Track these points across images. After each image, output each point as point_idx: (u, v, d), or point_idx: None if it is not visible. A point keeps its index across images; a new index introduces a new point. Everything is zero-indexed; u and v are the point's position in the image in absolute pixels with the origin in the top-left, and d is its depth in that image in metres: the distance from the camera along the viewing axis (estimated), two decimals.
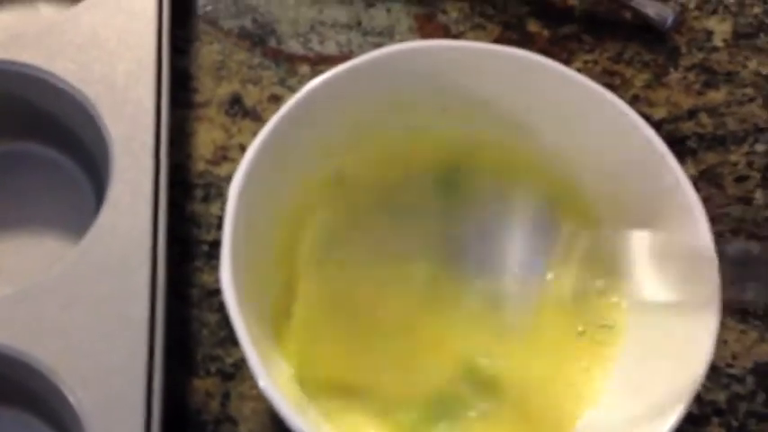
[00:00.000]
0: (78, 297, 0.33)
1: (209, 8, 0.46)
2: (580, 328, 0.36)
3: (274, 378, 0.30)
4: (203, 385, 0.37)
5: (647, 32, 0.48)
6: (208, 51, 0.45)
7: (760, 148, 0.46)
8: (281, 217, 0.36)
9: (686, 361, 0.32)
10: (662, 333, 0.34)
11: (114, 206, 0.35)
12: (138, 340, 0.33)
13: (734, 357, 0.40)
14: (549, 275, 0.37)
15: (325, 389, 0.34)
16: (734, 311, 0.41)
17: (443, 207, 0.38)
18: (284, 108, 0.34)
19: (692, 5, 0.49)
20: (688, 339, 0.32)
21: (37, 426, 0.35)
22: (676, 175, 0.34)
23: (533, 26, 0.48)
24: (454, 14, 0.47)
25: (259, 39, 0.45)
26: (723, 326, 0.40)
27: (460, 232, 0.38)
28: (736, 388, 0.39)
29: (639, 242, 0.36)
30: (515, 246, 0.38)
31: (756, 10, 0.49)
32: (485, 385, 0.35)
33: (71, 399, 0.31)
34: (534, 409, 0.35)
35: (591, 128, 0.37)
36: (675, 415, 0.30)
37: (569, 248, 0.37)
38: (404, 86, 0.36)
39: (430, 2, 0.48)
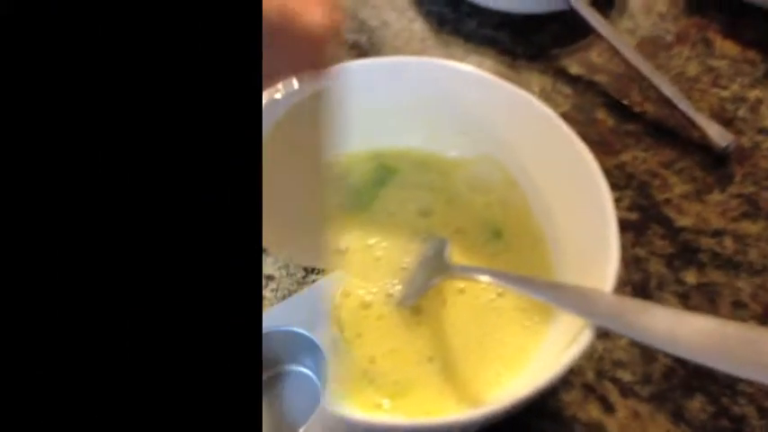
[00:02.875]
0: None
1: None
2: None
3: None
4: None
5: (708, 154, 0.50)
6: None
7: None
8: None
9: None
10: None
11: None
12: None
13: None
14: None
15: None
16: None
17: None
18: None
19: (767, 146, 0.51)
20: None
21: None
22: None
23: (601, 114, 0.52)
24: (536, 89, 0.53)
25: (365, 53, 0.54)
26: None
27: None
28: None
29: None
30: None
31: None
32: None
33: None
34: None
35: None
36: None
37: None
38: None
39: (520, 71, 0.54)
